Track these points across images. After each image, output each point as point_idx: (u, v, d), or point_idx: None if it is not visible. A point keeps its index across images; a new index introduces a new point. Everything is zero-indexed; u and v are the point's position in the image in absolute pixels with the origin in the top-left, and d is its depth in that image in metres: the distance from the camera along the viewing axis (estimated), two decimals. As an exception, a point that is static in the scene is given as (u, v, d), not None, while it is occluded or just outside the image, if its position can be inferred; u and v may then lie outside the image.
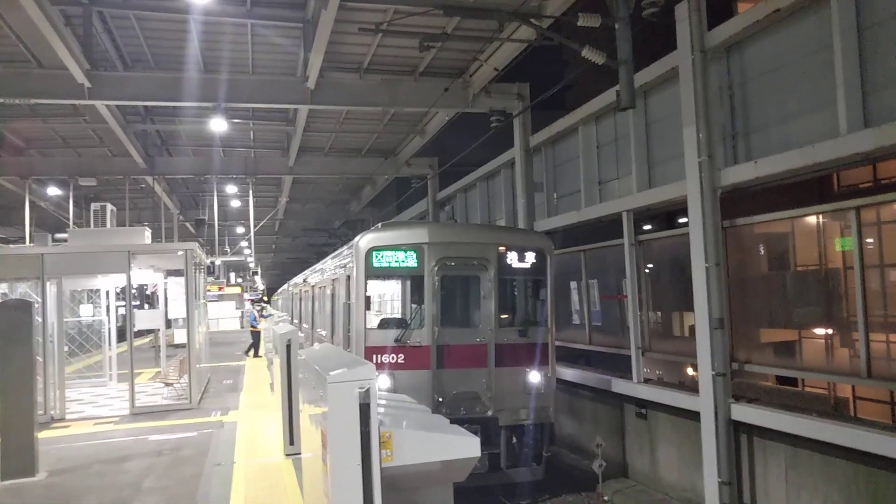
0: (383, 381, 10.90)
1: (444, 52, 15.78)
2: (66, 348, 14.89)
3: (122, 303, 21.05)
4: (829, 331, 10.04)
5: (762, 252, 11.60)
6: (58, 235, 18.71)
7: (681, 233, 12.15)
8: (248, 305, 41.96)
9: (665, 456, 12.49)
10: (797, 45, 9.54)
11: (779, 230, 11.18)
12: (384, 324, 12.01)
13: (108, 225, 18.56)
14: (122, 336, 19.62)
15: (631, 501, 12.19)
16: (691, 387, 12.15)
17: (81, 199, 27.18)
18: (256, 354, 24.33)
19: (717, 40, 10.56)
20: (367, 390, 3.98)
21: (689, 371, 17.65)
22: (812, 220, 10.37)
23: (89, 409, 13.95)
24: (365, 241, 11.63)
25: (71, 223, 25.92)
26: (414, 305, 11.89)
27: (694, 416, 11.08)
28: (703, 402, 10.66)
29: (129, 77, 15.84)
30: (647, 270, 13.56)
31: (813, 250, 10.40)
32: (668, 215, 18.74)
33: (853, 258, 9.09)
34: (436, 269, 11.52)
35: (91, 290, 18.21)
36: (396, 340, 11.35)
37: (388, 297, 13.07)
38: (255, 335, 25.16)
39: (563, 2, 12.68)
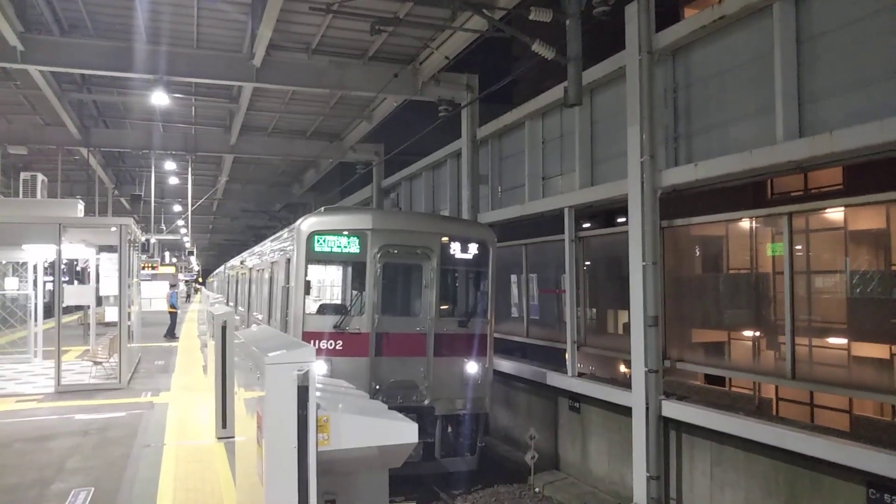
0: (320, 367, 10.80)
1: (395, 38, 15.67)
2: (-12, 322, 14.31)
3: (51, 277, 20.36)
4: (758, 333, 10.38)
5: (697, 254, 11.91)
6: (-17, 204, 17.93)
7: (620, 231, 12.38)
8: (182, 287, 41.11)
9: (596, 449, 12.73)
10: (740, 52, 9.80)
11: (714, 233, 11.49)
12: (323, 309, 11.88)
13: (39, 196, 17.86)
14: (48, 312, 18.95)
15: (561, 493, 12.39)
16: (623, 383, 12.41)
17: (10, 168, 26.11)
18: (173, 336, 23.76)
19: (665, 42, 10.76)
20: (306, 373, 3.93)
21: (622, 368, 18.05)
22: (746, 224, 10.69)
23: (11, 385, 13.44)
24: (307, 224, 11.49)
25: (-2, 192, 24.89)
26: (354, 292, 11.81)
27: (625, 411, 11.32)
28: (636, 398, 10.90)
29: (66, 43, 15.23)
30: (585, 267, 13.78)
31: (745, 254, 10.73)
32: (607, 214, 19.11)
33: (783, 263, 9.41)
34: (378, 256, 11.47)
35: (17, 263, 17.53)
36: (335, 327, 11.28)
37: (329, 282, 12.95)
38: (172, 316, 24.65)
39: (516, -5, 12.73)
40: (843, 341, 9.42)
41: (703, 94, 10.49)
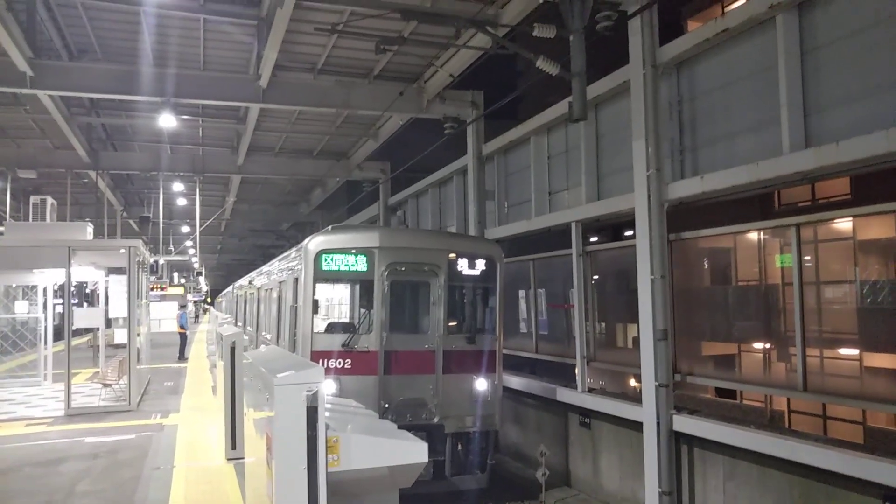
0: (329, 386, 10.78)
1: (399, 57, 15.77)
2: (-2, 346, 14.35)
3: (60, 300, 20.42)
4: (768, 345, 10.31)
5: (706, 266, 11.87)
6: (-7, 228, 18.04)
7: (628, 244, 12.35)
8: (190, 307, 41.15)
9: (607, 465, 12.63)
10: (744, 64, 9.81)
11: (722, 245, 11.46)
12: (331, 328, 11.87)
13: (48, 219, 17.96)
14: (58, 335, 19.00)
15: (573, 509, 12.30)
16: (633, 397, 12.33)
17: (20, 191, 26.28)
18: (182, 357, 23.76)
19: (669, 56, 10.79)
20: (315, 393, 3.92)
21: (632, 382, 17.96)
22: (753, 236, 10.66)
23: (21, 409, 13.45)
24: (314, 243, 11.51)
25: (8, 216, 25.02)
26: (362, 310, 11.79)
27: (636, 426, 11.24)
28: (646, 413, 10.82)
29: (75, 67, 15.39)
30: (593, 281, 13.74)
31: (754, 266, 10.69)
32: (615, 228, 19.08)
33: (792, 274, 9.36)
34: (386, 273, 11.46)
35: (27, 287, 17.60)
36: (343, 345, 11.25)
37: (337, 301, 12.96)
38: (182, 336, 24.66)
39: (519, 12, 12.80)
40: (854, 352, 9.35)
41: (708, 107, 10.50)
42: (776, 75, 9.02)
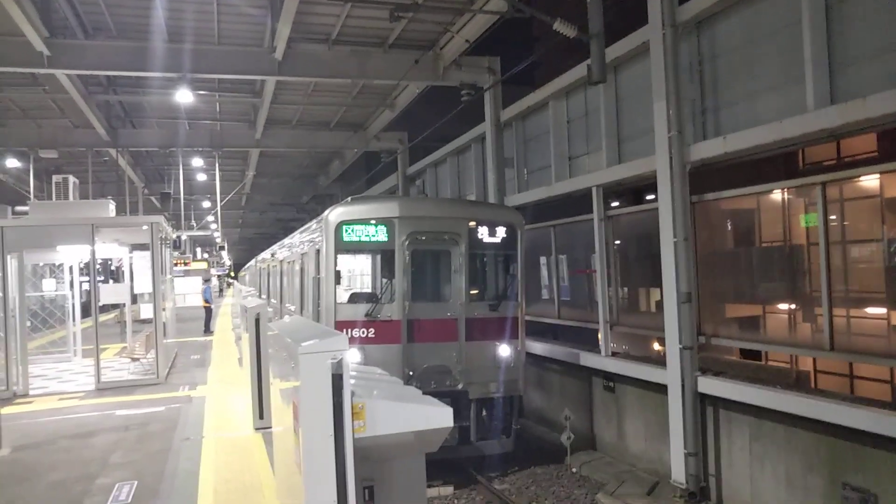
0: (353, 355, 10.86)
1: (414, 24, 15.60)
2: (28, 323, 14.57)
3: (86, 278, 20.69)
4: (793, 306, 10.22)
5: (729, 228, 11.74)
6: (18, 208, 18.26)
7: (649, 208, 12.24)
8: (214, 281, 41.54)
9: (632, 428, 12.67)
10: (766, 21, 9.59)
11: (745, 206, 11.32)
12: (354, 298, 11.95)
13: (71, 198, 18.12)
14: (86, 311, 19.27)
15: (598, 473, 12.37)
16: (657, 361, 12.31)
17: (42, 171, 26.54)
18: (208, 330, 24.01)
19: (688, 15, 10.58)
20: (340, 361, 3.93)
21: (655, 346, 17.91)
22: (777, 196, 10.51)
23: (53, 384, 13.71)
24: (335, 214, 11.53)
25: (32, 196, 25.31)
26: (384, 280, 11.85)
27: (661, 388, 11.24)
28: (671, 375, 10.81)
29: (91, 45, 15.43)
30: (615, 246, 13.66)
31: (778, 227, 10.56)
32: (636, 192, 18.88)
33: (818, 234, 9.24)
34: (406, 243, 11.48)
35: (54, 265, 17.83)
36: (367, 315, 11.33)
37: (358, 271, 13.01)
38: (207, 310, 24.90)
39: (535, -26, 12.60)
40: (881, 311, 9.23)
41: (730, 66, 10.30)
42: (800, 31, 8.82)
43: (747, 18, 9.93)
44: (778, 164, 16.21)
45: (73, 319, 17.41)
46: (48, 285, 17.94)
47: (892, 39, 7.91)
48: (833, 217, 9.37)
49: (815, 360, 15.85)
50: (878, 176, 9.02)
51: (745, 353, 17.17)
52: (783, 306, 10.55)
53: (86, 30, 15.53)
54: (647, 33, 11.26)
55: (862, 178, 9.33)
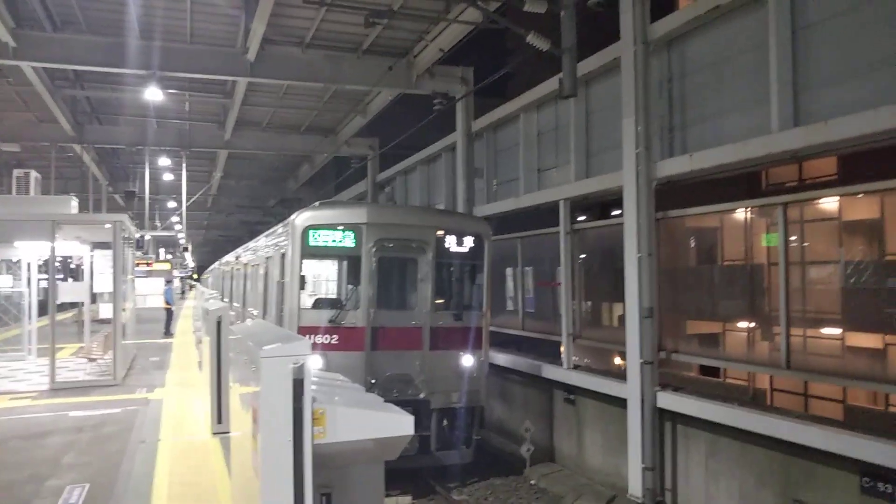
0: (316, 361, 10.78)
1: (389, 31, 15.63)
2: (-19, 320, 14.24)
3: (45, 275, 20.28)
4: (752, 324, 10.39)
5: (692, 245, 11.92)
6: (-24, 202, 17.80)
7: (615, 223, 12.37)
8: (176, 283, 40.95)
9: (591, 441, 12.75)
10: (735, 42, 9.79)
11: (709, 224, 11.51)
12: (318, 304, 11.86)
13: (32, 193, 17.78)
14: (43, 310, 18.87)
15: (557, 485, 12.41)
16: (618, 375, 12.42)
17: (3, 165, 25.99)
18: (168, 332, 23.63)
19: (660, 33, 10.75)
20: (301, 366, 3.90)
21: (616, 360, 18.07)
22: (740, 215, 10.70)
23: (5, 383, 13.37)
24: (302, 218, 11.45)
25: (-9, 190, 24.78)
26: (350, 286, 11.78)
27: (621, 402, 11.33)
28: (631, 389, 10.90)
29: (59, 39, 15.17)
30: (580, 259, 13.78)
31: (740, 245, 10.74)
32: (602, 206, 19.08)
33: (778, 254, 9.41)
34: (373, 250, 11.44)
35: (11, 261, 17.45)
36: (331, 321, 11.25)
37: (324, 277, 12.93)
38: (168, 312, 24.55)
39: (510, -13, 12.69)
40: (837, 331, 9.44)
41: (699, 85, 10.48)
42: (766, 54, 9.01)
43: (717, 38, 10.13)
44: (742, 184, 16.51)
45: (30, 317, 17.03)
46: (4, 281, 17.57)
47: (853, 66, 8.12)
48: (793, 238, 9.56)
49: (771, 378, 16.13)
50: (837, 199, 9.24)
51: (705, 370, 17.42)
52: (742, 324, 10.72)
53: (54, 22, 15.25)
54: (619, 49, 11.40)
55: (822, 200, 9.55)
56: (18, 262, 17.37)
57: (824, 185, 14.72)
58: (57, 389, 12.52)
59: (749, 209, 10.54)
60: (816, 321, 9.35)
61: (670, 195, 11.62)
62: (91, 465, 7.89)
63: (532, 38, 10.69)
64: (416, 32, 15.75)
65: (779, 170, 16.67)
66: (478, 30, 14.07)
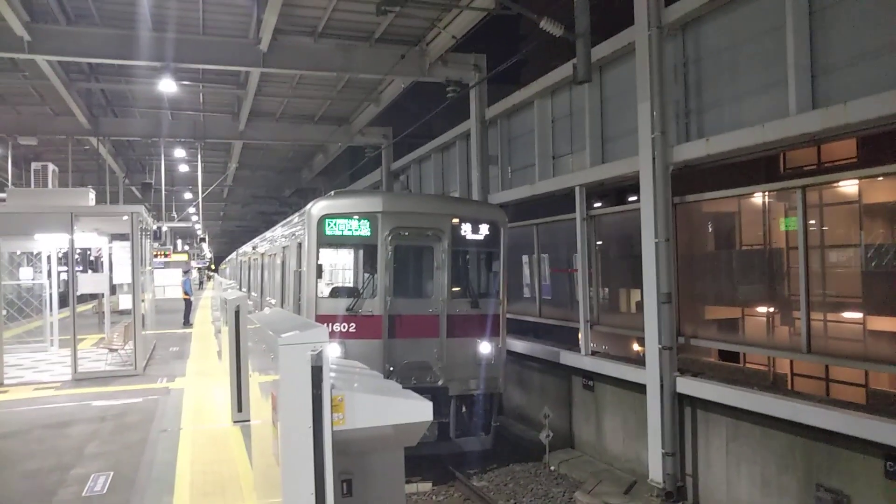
0: (334, 349, 10.83)
1: (401, 19, 15.56)
2: (4, 312, 14.39)
3: (65, 267, 20.49)
4: (772, 308, 10.31)
5: (710, 230, 11.83)
6: (-5, 195, 17.99)
7: (632, 208, 12.30)
8: (194, 273, 41.22)
9: (611, 427, 12.74)
10: (751, 24, 9.66)
11: (726, 209, 11.40)
12: (335, 293, 11.92)
13: (50, 186, 17.92)
14: (64, 301, 19.07)
15: (576, 471, 12.42)
16: (636, 361, 12.38)
17: (21, 158, 26.20)
18: (187, 322, 23.82)
19: (674, 17, 10.63)
20: (320, 353, 3.92)
21: (634, 346, 18.03)
22: (758, 200, 10.59)
23: (29, 374, 13.55)
24: (318, 208, 11.48)
25: (10, 183, 24.99)
26: (366, 275, 11.82)
27: (639, 388, 11.31)
28: (650, 375, 10.87)
29: (73, 32, 15.24)
30: (597, 246, 13.72)
31: (758, 230, 10.64)
32: (618, 192, 18.99)
33: (798, 238, 9.33)
34: (389, 238, 11.46)
35: (31, 253, 17.62)
36: (348, 309, 11.30)
37: (340, 265, 12.98)
38: (187, 303, 24.74)
39: (523, -28, 12.59)
40: (858, 315, 9.34)
41: (714, 69, 10.37)
42: (784, 35, 8.88)
43: (733, 21, 10.00)
44: (759, 167, 16.37)
45: (51, 309, 17.22)
46: (25, 274, 17.73)
47: (873, 46, 8.00)
48: (812, 222, 9.47)
49: (791, 362, 16.03)
50: (856, 182, 9.13)
51: (723, 356, 17.35)
52: (762, 309, 10.64)
53: (68, 16, 15.32)
54: (633, 34, 11.29)
55: (841, 183, 9.43)
56: (39, 254, 17.53)
57: (844, 168, 14.57)
58: (79, 380, 12.67)
59: (767, 193, 10.44)
60: (837, 305, 9.26)
61: (687, 180, 11.53)
62: (114, 453, 7.98)
63: (545, 24, 10.61)
64: (428, 20, 15.68)
65: (797, 153, 16.49)
66: (490, 16, 13.99)
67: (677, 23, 10.72)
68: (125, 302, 15.02)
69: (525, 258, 16.69)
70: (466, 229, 12.10)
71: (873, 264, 8.83)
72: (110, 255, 18.31)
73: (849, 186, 9.33)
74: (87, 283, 18.09)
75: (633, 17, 11.15)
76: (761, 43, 9.48)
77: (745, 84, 9.80)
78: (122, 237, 16.24)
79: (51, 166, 18.01)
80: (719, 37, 10.26)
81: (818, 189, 9.47)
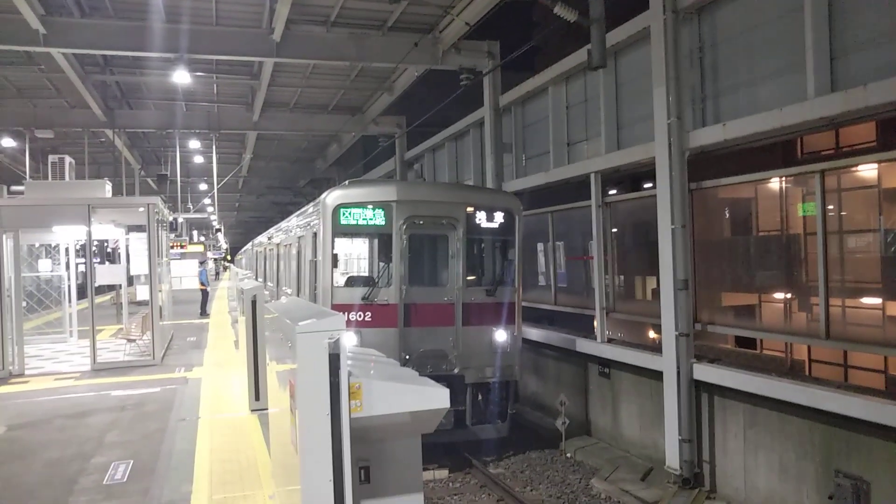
0: (350, 338, 10.87)
1: (414, 6, 15.49)
2: (23, 304, 14.55)
3: (82, 259, 20.67)
4: (789, 294, 10.22)
5: (726, 216, 11.74)
6: (14, 188, 18.18)
7: (648, 195, 12.22)
8: (210, 264, 41.45)
9: (627, 414, 12.72)
10: (768, 7, 9.54)
11: (743, 195, 11.30)
12: (351, 282, 11.94)
13: (67, 178, 18.08)
14: (82, 293, 19.26)
15: (593, 458, 12.42)
16: (653, 348, 12.34)
17: (38, 151, 26.42)
18: (204, 313, 23.99)
19: (689, 1, 10.51)
20: (337, 341, 3.94)
21: (650, 333, 17.96)
22: (775, 185, 10.49)
23: (49, 364, 13.72)
24: (332, 197, 11.49)
25: (27, 176, 25.22)
26: (381, 264, 11.83)
27: (656, 375, 11.27)
28: (666, 362, 10.83)
29: (88, 24, 15.29)
30: (612, 233, 13.65)
31: (776, 215, 10.54)
32: (633, 179, 18.88)
33: (816, 223, 9.23)
34: (404, 227, 11.46)
35: (50, 246, 17.80)
36: (363, 299, 11.31)
37: (356, 255, 13.00)
38: (203, 293, 24.89)
39: (536, -43, 12.50)
40: (877, 301, 9.25)
41: (731, 53, 10.25)
42: (801, 18, 8.77)
43: (749, 4, 9.88)
44: (777, 152, 16.20)
45: (69, 300, 17.40)
46: (44, 266, 17.92)
47: (891, 28, 7.87)
48: (830, 207, 9.36)
49: (809, 349, 15.91)
50: (875, 166, 9.01)
51: (740, 343, 17.25)
52: (779, 295, 10.56)
53: (82, 8, 15.37)
54: (648, 18, 11.19)
55: (860, 167, 9.31)
56: (57, 246, 17.70)
57: (862, 152, 14.39)
58: (98, 370, 12.81)
59: (784, 178, 10.34)
60: (856, 291, 9.17)
61: (703, 165, 11.44)
62: (134, 442, 8.07)
63: (559, 9, 10.52)
64: (441, 7, 15.58)
65: (814, 137, 16.30)
66: (504, 2, 13.89)
67: (692, 7, 10.60)
68: (142, 293, 15.16)
69: (540, 246, 16.64)
70: (481, 217, 12.08)
71: (893, 249, 8.74)
72: (127, 246, 18.47)
73: (868, 170, 9.22)
74: (105, 274, 18.28)
75: (648, 1, 11.05)
76: (778, 25, 9.36)
77: (762, 68, 9.68)
78: (138, 228, 16.37)
79: (67, 159, 18.17)
80: (735, 20, 10.13)
81: (836, 173, 9.36)
